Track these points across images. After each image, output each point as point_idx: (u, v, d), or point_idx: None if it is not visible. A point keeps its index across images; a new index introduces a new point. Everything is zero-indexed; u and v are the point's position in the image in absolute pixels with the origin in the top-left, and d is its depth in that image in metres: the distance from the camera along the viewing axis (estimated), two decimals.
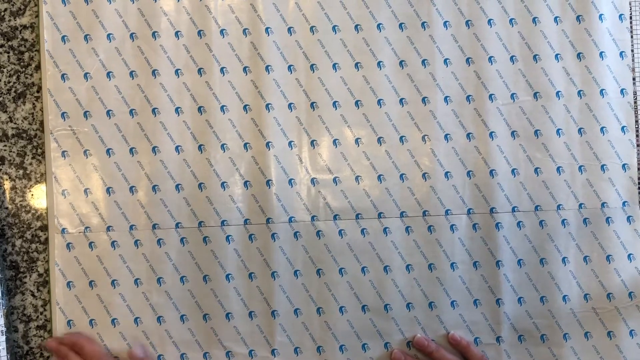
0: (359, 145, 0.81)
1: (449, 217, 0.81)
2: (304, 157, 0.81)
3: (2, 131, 0.80)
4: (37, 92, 0.80)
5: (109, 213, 0.79)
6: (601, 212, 0.81)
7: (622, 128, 0.82)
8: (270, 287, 0.80)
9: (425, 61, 0.82)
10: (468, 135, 0.81)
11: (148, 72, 0.80)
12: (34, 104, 0.80)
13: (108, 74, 0.80)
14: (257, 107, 0.81)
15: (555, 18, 0.82)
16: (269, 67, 0.81)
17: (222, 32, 0.81)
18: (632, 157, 0.82)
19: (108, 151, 0.79)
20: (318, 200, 0.81)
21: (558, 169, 0.81)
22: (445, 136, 0.81)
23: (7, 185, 0.80)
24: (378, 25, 0.82)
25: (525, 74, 0.82)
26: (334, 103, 0.81)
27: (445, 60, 0.82)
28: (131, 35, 0.80)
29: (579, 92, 0.82)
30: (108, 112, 0.80)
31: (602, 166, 0.82)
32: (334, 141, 0.81)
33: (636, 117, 0.82)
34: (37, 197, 0.80)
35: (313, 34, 0.81)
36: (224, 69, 0.81)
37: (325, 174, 0.81)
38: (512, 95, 0.82)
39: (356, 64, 0.81)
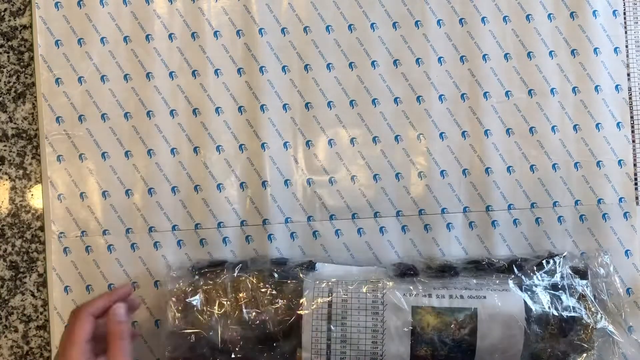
0: (354, 145, 0.81)
1: (445, 215, 0.81)
2: (299, 157, 0.81)
3: (2, 131, 0.81)
4: None
5: (105, 217, 0.79)
6: (597, 209, 0.81)
7: (618, 124, 0.82)
8: None
9: (420, 60, 0.82)
10: (463, 133, 0.81)
11: (142, 75, 0.80)
12: (33, 104, 0.80)
13: (102, 78, 0.80)
14: (251, 108, 0.81)
15: (549, 15, 0.82)
16: (263, 68, 0.81)
17: (215, 33, 0.81)
18: (627, 153, 0.82)
19: (103, 155, 0.80)
20: (314, 201, 0.81)
21: (553, 166, 0.81)
22: (440, 135, 0.81)
23: (7, 185, 0.80)
24: (371, 25, 0.82)
25: (519, 72, 0.82)
26: (329, 103, 0.81)
27: (439, 59, 0.82)
28: (125, 39, 0.80)
29: (573, 88, 0.82)
30: (103, 116, 0.80)
31: (598, 162, 0.81)
32: (329, 141, 0.81)
33: (631, 113, 0.82)
34: (37, 197, 0.80)
35: (307, 34, 0.81)
36: (218, 71, 0.81)
37: (320, 174, 0.81)
38: (507, 93, 0.81)
39: (350, 64, 0.81)
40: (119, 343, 0.66)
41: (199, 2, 0.81)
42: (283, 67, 0.81)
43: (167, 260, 0.79)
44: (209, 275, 0.74)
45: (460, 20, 0.82)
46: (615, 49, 0.82)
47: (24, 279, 0.80)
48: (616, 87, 0.82)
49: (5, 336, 0.79)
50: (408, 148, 0.81)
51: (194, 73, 0.81)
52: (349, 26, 0.82)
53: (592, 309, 0.72)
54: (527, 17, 0.82)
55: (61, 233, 0.79)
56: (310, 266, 0.75)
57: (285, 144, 0.81)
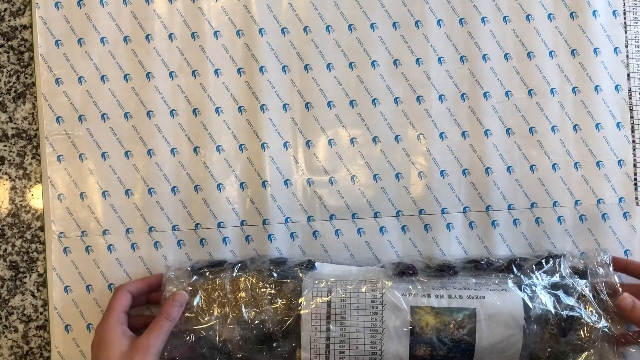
0: (354, 145, 0.81)
1: (445, 215, 0.81)
2: (299, 157, 0.81)
3: (2, 131, 0.81)
4: None
5: (105, 217, 0.79)
6: (597, 209, 0.81)
7: (617, 124, 0.82)
8: None
9: (420, 60, 0.82)
10: (463, 133, 0.81)
11: (142, 75, 0.80)
12: (33, 104, 0.80)
13: (102, 78, 0.80)
14: (251, 108, 0.81)
15: (549, 15, 0.82)
16: (263, 68, 0.81)
17: (215, 33, 0.81)
18: (627, 153, 0.82)
19: (103, 155, 0.80)
20: (314, 201, 0.81)
21: (553, 166, 0.81)
22: (441, 135, 0.81)
23: (7, 185, 0.80)
24: (372, 25, 0.82)
25: (519, 72, 0.82)
26: (329, 103, 0.81)
27: (439, 59, 0.82)
28: (125, 39, 0.80)
29: (573, 88, 0.82)
30: (103, 116, 0.80)
31: (598, 162, 0.81)
32: (329, 141, 0.81)
33: (631, 113, 0.82)
34: (37, 197, 0.80)
35: (307, 34, 0.81)
36: (218, 71, 0.81)
37: (320, 174, 0.81)
38: (507, 93, 0.81)
39: (350, 64, 0.81)
40: (163, 321, 0.70)
41: (199, 2, 0.81)
42: (283, 67, 0.81)
43: (167, 260, 0.79)
44: (208, 275, 0.74)
45: (460, 20, 0.82)
46: (615, 49, 0.82)
47: (24, 279, 0.80)
48: (616, 87, 0.82)
49: (5, 336, 0.80)
50: (408, 148, 0.81)
51: (194, 73, 0.81)
52: (349, 26, 0.82)
53: (592, 309, 0.72)
54: (527, 17, 0.82)
55: (61, 233, 0.79)
56: (309, 265, 0.75)
57: (285, 144, 0.81)
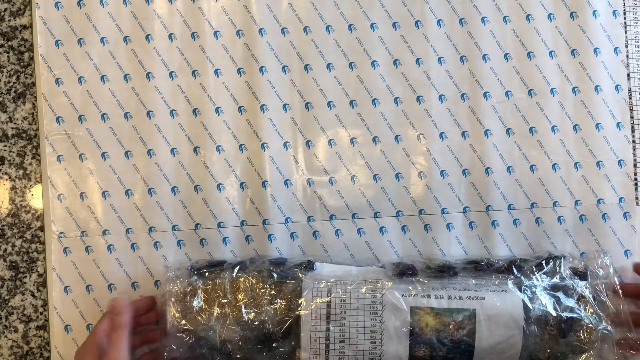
0: (354, 145, 0.81)
1: (445, 215, 0.81)
2: (299, 157, 0.81)
3: (2, 131, 0.81)
4: None
5: (105, 217, 0.79)
6: (597, 209, 0.81)
7: (617, 124, 0.82)
8: None
9: (420, 60, 0.82)
10: (463, 133, 0.81)
11: (142, 75, 0.80)
12: (33, 104, 0.80)
13: (102, 78, 0.80)
14: (252, 108, 0.81)
15: (549, 15, 0.82)
16: (263, 68, 0.81)
17: (215, 33, 0.81)
18: (627, 153, 0.82)
19: (103, 155, 0.80)
20: (314, 201, 0.81)
21: (553, 166, 0.81)
22: (441, 135, 0.81)
23: (7, 185, 0.80)
24: (372, 25, 0.81)
25: (519, 72, 0.82)
26: (329, 103, 0.81)
27: (439, 59, 0.82)
28: (125, 39, 0.80)
29: (573, 88, 0.82)
30: (103, 116, 0.80)
31: (598, 162, 0.81)
32: (329, 141, 0.81)
33: (631, 113, 0.82)
34: (37, 197, 0.80)
35: (307, 34, 0.81)
36: (218, 71, 0.81)
37: (320, 174, 0.81)
38: (507, 93, 0.81)
39: (350, 64, 0.81)
40: (114, 334, 0.69)
41: (199, 2, 0.81)
42: (283, 67, 0.81)
43: (167, 260, 0.79)
44: (207, 276, 0.74)
45: (460, 20, 0.82)
46: (615, 49, 0.82)
47: (24, 279, 0.80)
48: (616, 87, 0.82)
49: (5, 336, 0.80)
50: (408, 148, 0.81)
51: (194, 73, 0.81)
52: (349, 26, 0.81)
53: (592, 310, 0.72)
54: (527, 17, 0.82)
55: (61, 233, 0.79)
56: (309, 266, 0.75)
57: (285, 144, 0.81)
